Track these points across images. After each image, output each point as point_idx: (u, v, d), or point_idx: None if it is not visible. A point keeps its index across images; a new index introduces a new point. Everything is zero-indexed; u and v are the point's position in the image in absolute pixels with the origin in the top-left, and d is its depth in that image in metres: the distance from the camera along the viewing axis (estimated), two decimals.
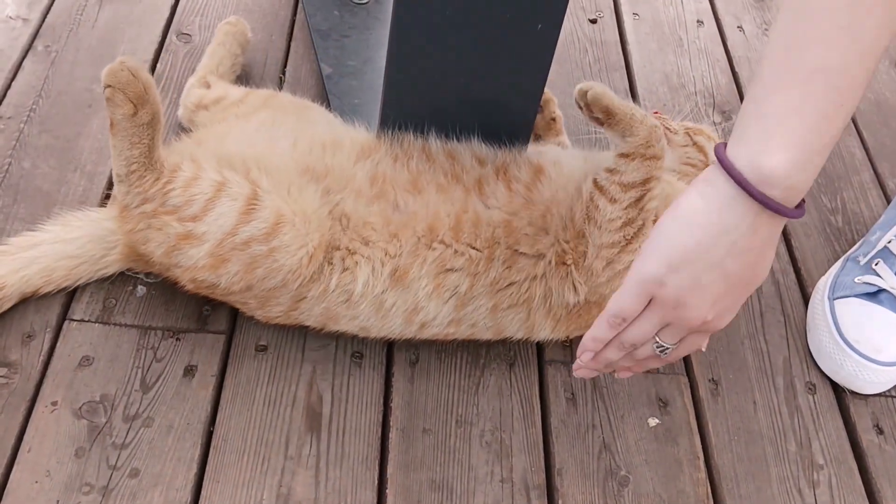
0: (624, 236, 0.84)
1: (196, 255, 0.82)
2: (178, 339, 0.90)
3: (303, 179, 0.86)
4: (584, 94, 0.85)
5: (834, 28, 0.59)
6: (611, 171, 0.84)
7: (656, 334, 0.71)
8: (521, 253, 0.86)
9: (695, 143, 0.97)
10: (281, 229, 0.81)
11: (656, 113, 1.00)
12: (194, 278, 0.84)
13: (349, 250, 0.85)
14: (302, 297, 0.85)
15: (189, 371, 0.87)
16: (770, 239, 0.65)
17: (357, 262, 0.85)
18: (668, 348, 0.72)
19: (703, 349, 0.76)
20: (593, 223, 0.84)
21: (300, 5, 1.29)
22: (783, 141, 0.60)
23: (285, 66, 1.21)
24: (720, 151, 0.64)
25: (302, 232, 0.82)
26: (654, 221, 0.81)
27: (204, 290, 0.86)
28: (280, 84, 1.18)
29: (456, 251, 0.86)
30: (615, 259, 0.85)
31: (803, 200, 0.64)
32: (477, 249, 0.86)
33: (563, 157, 0.93)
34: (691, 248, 0.65)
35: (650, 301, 0.68)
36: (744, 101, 0.64)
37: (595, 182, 0.85)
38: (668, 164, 0.90)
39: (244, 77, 1.17)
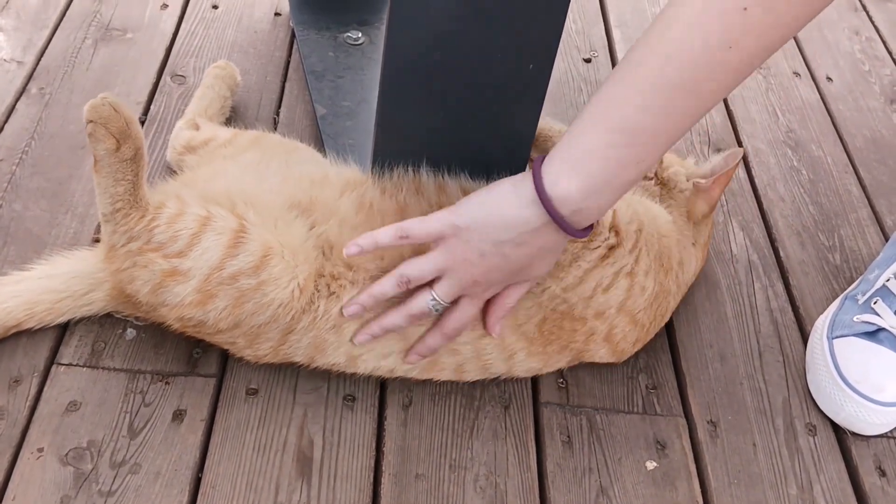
0: None
1: (182, 292, 0.81)
2: (167, 383, 0.88)
3: (290, 214, 0.86)
4: None
5: (647, 103, 0.70)
6: None
7: (433, 284, 0.81)
8: None
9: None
10: (269, 262, 0.80)
11: None
12: (181, 316, 0.82)
13: (333, 276, 0.85)
14: (291, 329, 0.84)
15: (178, 415, 0.86)
16: (550, 248, 0.79)
17: (342, 286, 0.84)
18: (441, 305, 0.82)
19: (495, 333, 0.86)
20: None
21: (295, 46, 1.29)
22: (578, 174, 0.73)
23: (280, 106, 1.21)
24: (537, 163, 0.76)
25: (291, 264, 0.81)
26: (612, 222, 0.89)
27: (191, 330, 0.85)
28: (274, 125, 1.18)
29: None
30: (580, 255, 0.88)
31: (591, 226, 0.78)
32: None
33: None
34: (489, 222, 0.78)
35: (438, 242, 0.79)
36: (568, 128, 0.76)
37: None
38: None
39: (238, 117, 1.17)
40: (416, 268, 0.81)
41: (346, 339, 0.86)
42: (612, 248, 0.89)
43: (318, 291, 0.84)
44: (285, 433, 0.86)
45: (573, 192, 0.74)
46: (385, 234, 0.80)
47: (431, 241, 0.80)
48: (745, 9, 0.67)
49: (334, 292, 0.84)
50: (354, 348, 0.86)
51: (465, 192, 0.90)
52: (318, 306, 0.84)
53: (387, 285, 0.82)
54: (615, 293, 0.90)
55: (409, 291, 0.83)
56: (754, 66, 0.71)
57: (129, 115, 0.80)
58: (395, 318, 0.83)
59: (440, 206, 0.89)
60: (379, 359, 0.87)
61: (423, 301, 0.82)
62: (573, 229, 0.77)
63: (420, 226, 0.80)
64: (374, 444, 0.87)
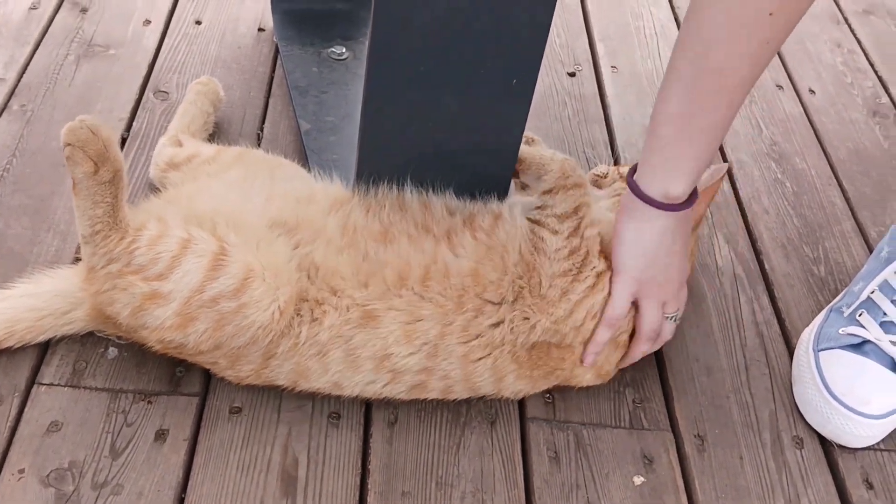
0: (573, 264, 0.88)
1: (163, 315, 0.80)
2: (149, 403, 0.87)
3: (273, 233, 0.86)
4: None
5: (715, 105, 0.82)
6: (540, 207, 0.89)
7: (664, 313, 0.93)
8: (488, 301, 0.86)
9: (622, 176, 1.04)
10: (250, 284, 0.80)
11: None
12: (162, 339, 0.82)
13: (317, 301, 0.84)
14: (272, 354, 0.83)
15: (160, 435, 0.85)
16: (685, 218, 0.90)
17: (325, 312, 0.84)
18: (676, 313, 0.96)
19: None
20: (542, 254, 0.87)
21: (279, 62, 1.29)
22: (680, 177, 0.86)
23: (263, 122, 1.21)
24: (634, 187, 0.87)
25: (272, 286, 0.81)
26: (600, 248, 0.92)
27: (172, 351, 0.85)
28: (258, 140, 1.18)
29: (424, 298, 0.85)
30: (569, 289, 0.87)
31: (694, 191, 0.89)
32: (446, 298, 0.85)
33: (520, 201, 0.94)
34: (649, 254, 0.89)
35: (637, 300, 0.91)
36: (646, 148, 0.87)
37: (529, 219, 0.89)
38: (605, 202, 0.99)
39: (222, 133, 1.17)
40: (654, 320, 0.93)
41: (330, 368, 0.85)
42: (600, 274, 0.89)
43: (301, 316, 0.83)
44: (269, 452, 0.85)
45: (682, 189, 0.86)
46: (602, 335, 0.90)
47: (629, 302, 0.91)
48: (771, 14, 0.76)
49: (317, 318, 0.83)
50: (339, 378, 0.85)
51: (450, 211, 0.91)
52: (300, 332, 0.83)
53: (607, 335, 0.91)
54: None
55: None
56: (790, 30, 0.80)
57: (108, 137, 0.80)
58: (649, 347, 0.96)
59: (424, 226, 0.89)
60: (365, 385, 0.87)
61: (668, 326, 0.96)
62: (691, 201, 0.88)
63: (618, 306, 0.90)
64: (359, 462, 0.86)
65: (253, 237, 0.84)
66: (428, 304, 0.85)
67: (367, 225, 0.88)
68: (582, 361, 0.91)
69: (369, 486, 0.84)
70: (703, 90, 0.81)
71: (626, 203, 0.89)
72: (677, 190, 0.86)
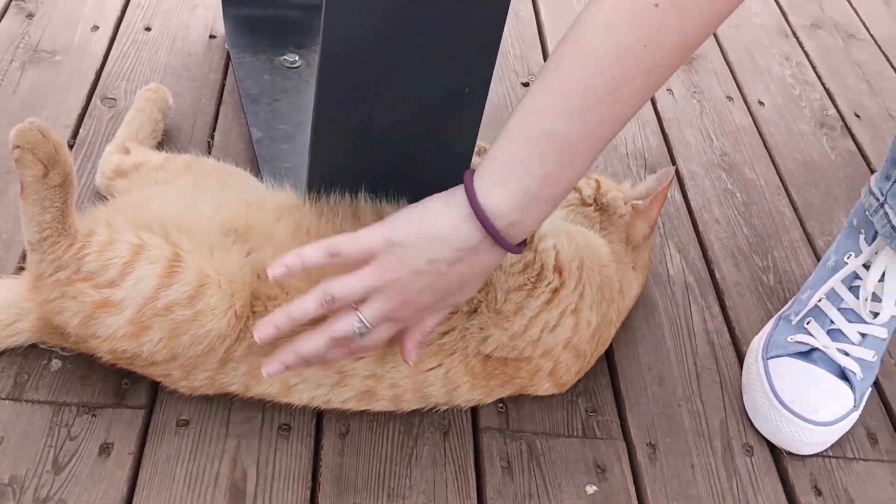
0: (528, 278, 0.87)
1: (115, 324, 0.78)
2: (94, 416, 0.85)
3: (226, 240, 0.84)
4: None
5: (566, 109, 0.70)
6: None
7: (359, 305, 0.75)
8: None
9: (574, 188, 1.03)
10: (206, 291, 0.78)
11: None
12: (113, 349, 0.80)
13: (268, 297, 0.83)
14: (228, 359, 0.82)
15: (105, 449, 0.83)
16: (484, 266, 0.76)
17: (278, 305, 0.82)
18: (365, 328, 0.75)
19: (411, 360, 0.80)
20: (498, 268, 0.86)
21: (230, 69, 1.27)
22: (508, 185, 0.72)
23: (214, 130, 1.19)
24: (468, 177, 0.73)
25: (228, 293, 0.79)
26: (554, 263, 0.89)
27: (123, 362, 0.83)
28: (209, 148, 1.16)
29: None
30: (524, 304, 0.87)
31: (525, 241, 0.76)
32: None
33: None
34: (424, 239, 0.74)
35: (370, 259, 0.74)
36: (493, 142, 0.74)
37: None
38: (559, 213, 0.98)
39: (171, 141, 1.15)
40: (344, 285, 0.74)
41: None
42: (555, 290, 0.89)
43: (255, 313, 0.82)
44: (217, 466, 0.84)
45: (505, 204, 0.72)
46: (313, 253, 0.75)
47: (363, 257, 0.74)
48: (657, 5, 0.66)
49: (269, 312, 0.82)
50: (289, 375, 0.84)
51: None
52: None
53: (308, 303, 0.74)
54: (562, 332, 0.90)
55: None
56: (673, 66, 0.70)
57: (58, 140, 0.78)
58: (313, 342, 0.76)
59: None
60: (314, 388, 0.85)
61: (347, 323, 0.75)
62: (509, 244, 0.74)
63: (351, 241, 0.75)
64: (309, 475, 0.85)
65: (206, 243, 0.82)
66: None
67: (319, 229, 0.87)
68: (404, 358, 0.81)
69: (320, 499, 0.83)
70: (561, 83, 0.70)
71: (452, 190, 0.75)
72: (499, 199, 0.71)
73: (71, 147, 1.12)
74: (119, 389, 0.88)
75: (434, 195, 0.76)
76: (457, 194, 0.74)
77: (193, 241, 0.82)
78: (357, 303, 0.75)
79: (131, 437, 0.84)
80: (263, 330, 0.76)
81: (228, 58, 1.29)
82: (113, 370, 0.86)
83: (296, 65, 1.24)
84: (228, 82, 1.27)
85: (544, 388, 0.93)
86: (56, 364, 0.88)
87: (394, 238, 0.74)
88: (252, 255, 0.85)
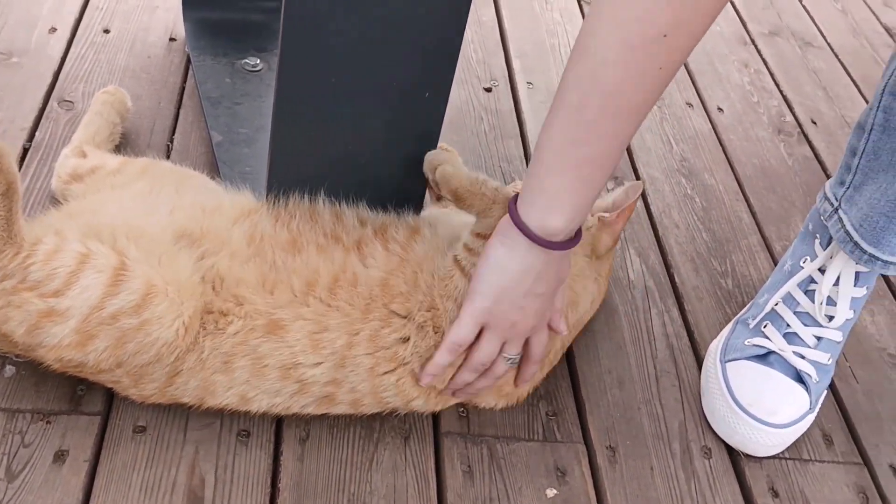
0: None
1: (60, 333, 0.77)
2: (48, 423, 0.84)
3: (176, 246, 0.83)
4: (433, 168, 0.89)
5: (602, 133, 0.76)
6: (469, 250, 0.86)
7: (502, 351, 0.87)
8: (395, 313, 0.86)
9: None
10: (152, 300, 0.77)
11: None
12: (60, 357, 0.79)
13: (222, 312, 0.82)
14: (177, 371, 0.81)
15: (60, 456, 0.82)
16: (560, 261, 0.84)
17: (230, 322, 0.82)
18: (515, 357, 0.88)
19: (562, 330, 0.91)
20: (450, 300, 0.86)
21: (191, 72, 1.26)
22: (561, 210, 0.79)
23: (174, 133, 1.18)
24: (513, 211, 0.81)
25: (176, 302, 0.78)
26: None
27: (72, 370, 0.81)
28: (168, 151, 1.15)
29: (331, 307, 0.84)
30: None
31: (579, 231, 0.83)
32: (353, 307, 0.84)
33: (441, 219, 0.94)
34: (507, 285, 0.82)
35: (483, 329, 0.85)
36: (529, 173, 0.80)
37: (455, 259, 0.87)
38: None
39: (130, 144, 1.14)
40: (486, 354, 0.86)
41: (237, 380, 0.83)
42: None
43: (205, 329, 0.81)
44: (175, 473, 0.83)
45: (561, 225, 0.79)
46: (442, 357, 0.85)
47: (477, 332, 0.85)
48: (665, 36, 0.70)
49: (222, 329, 0.81)
50: (246, 389, 0.83)
51: (361, 222, 0.90)
52: (204, 345, 0.81)
53: (446, 358, 0.86)
54: None
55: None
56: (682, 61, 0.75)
57: (2, 147, 0.77)
58: (472, 378, 0.88)
59: (335, 236, 0.88)
60: (271, 396, 0.85)
61: (502, 366, 0.89)
62: (572, 244, 0.82)
63: (461, 330, 0.84)
64: (269, 481, 0.84)
65: (155, 251, 0.81)
66: (335, 313, 0.84)
67: (274, 234, 0.87)
68: (419, 381, 0.87)
69: None
70: (589, 116, 0.74)
71: (501, 225, 0.82)
72: (555, 224, 0.79)
73: (27, 150, 1.10)
74: (74, 396, 0.86)
75: (489, 244, 0.83)
76: (510, 235, 0.81)
77: (142, 249, 0.81)
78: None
79: (87, 444, 0.83)
80: (428, 384, 0.88)
81: (188, 60, 1.28)
82: (67, 377, 0.85)
83: (257, 68, 1.23)
84: (188, 85, 1.25)
85: (487, 400, 0.93)
86: (10, 370, 0.87)
87: (488, 304, 0.83)
88: (205, 262, 0.84)
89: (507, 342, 0.86)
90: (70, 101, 1.18)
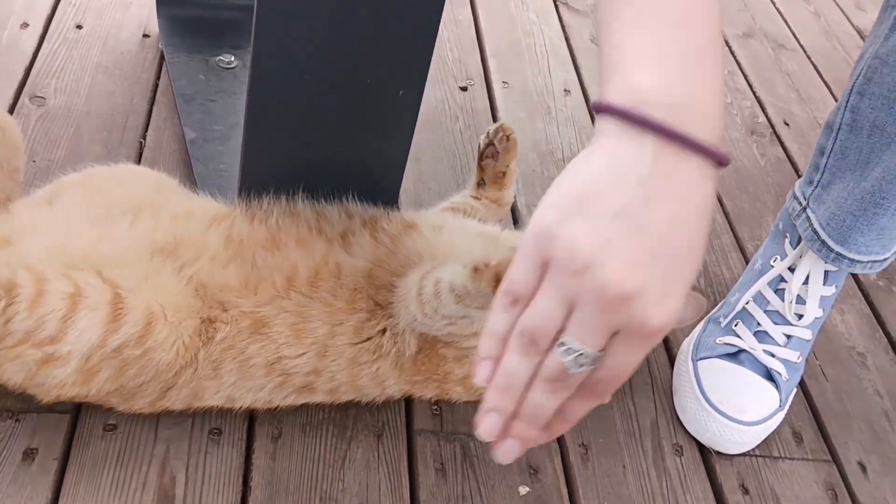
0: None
1: (62, 374, 0.75)
2: (17, 420, 0.83)
3: (156, 261, 0.81)
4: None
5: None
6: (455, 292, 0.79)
7: (564, 330, 0.51)
8: (379, 304, 0.85)
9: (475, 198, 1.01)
10: (154, 329, 0.76)
11: None
12: (60, 396, 0.78)
13: (209, 320, 0.81)
14: (172, 385, 0.80)
15: (29, 455, 0.81)
16: (694, 193, 0.51)
17: (217, 328, 0.81)
18: (583, 354, 0.51)
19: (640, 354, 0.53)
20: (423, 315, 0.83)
21: (164, 69, 1.26)
22: (650, 60, 0.52)
23: (146, 130, 1.17)
24: (596, 104, 0.53)
25: (175, 324, 0.77)
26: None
27: (66, 400, 0.80)
28: (140, 149, 1.14)
29: (313, 298, 0.83)
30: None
31: (726, 157, 0.52)
32: (336, 297, 0.84)
33: (451, 226, 0.91)
34: (586, 189, 0.50)
35: (544, 271, 0.52)
36: (602, 52, 0.55)
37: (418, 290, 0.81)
38: None
39: (102, 142, 1.13)
40: (537, 315, 0.52)
41: (225, 383, 0.82)
42: None
43: (201, 340, 0.80)
44: (146, 471, 0.82)
45: (657, 80, 0.51)
46: (495, 321, 0.54)
47: (535, 273, 0.52)
48: None
49: (211, 337, 0.80)
50: (233, 391, 0.83)
51: (348, 214, 0.89)
52: (199, 357, 0.80)
53: (514, 363, 0.53)
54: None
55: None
56: None
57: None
58: (519, 364, 0.53)
59: (318, 229, 0.87)
60: (255, 392, 0.84)
61: (556, 360, 0.52)
62: (697, 140, 0.50)
63: (515, 269, 0.53)
64: (240, 479, 0.84)
65: (140, 271, 0.78)
66: (316, 304, 0.83)
67: (252, 234, 0.86)
68: (473, 376, 0.56)
69: (250, 503, 0.82)
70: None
71: (596, 133, 0.53)
72: (644, 79, 0.51)
73: None
74: None
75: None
76: (595, 133, 0.53)
77: (128, 273, 0.77)
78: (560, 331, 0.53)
79: (56, 442, 0.82)
80: (489, 424, 0.56)
81: (162, 57, 1.27)
82: None
83: (231, 65, 1.23)
84: (162, 82, 1.25)
85: (457, 391, 0.92)
86: None
87: (552, 217, 0.51)
88: (186, 272, 0.82)
89: (575, 310, 0.51)
90: (42, 97, 1.17)
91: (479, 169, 1.03)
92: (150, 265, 0.81)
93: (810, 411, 1.06)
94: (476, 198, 1.04)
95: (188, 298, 0.80)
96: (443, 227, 0.91)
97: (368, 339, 0.85)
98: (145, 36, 1.32)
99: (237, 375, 0.82)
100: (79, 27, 1.31)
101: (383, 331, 0.86)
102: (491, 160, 1.02)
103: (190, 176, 1.09)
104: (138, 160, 1.12)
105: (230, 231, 0.86)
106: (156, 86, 1.24)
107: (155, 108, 1.21)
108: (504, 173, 1.03)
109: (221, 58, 1.23)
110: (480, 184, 1.04)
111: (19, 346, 0.73)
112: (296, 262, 0.84)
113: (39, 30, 1.28)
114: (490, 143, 1.02)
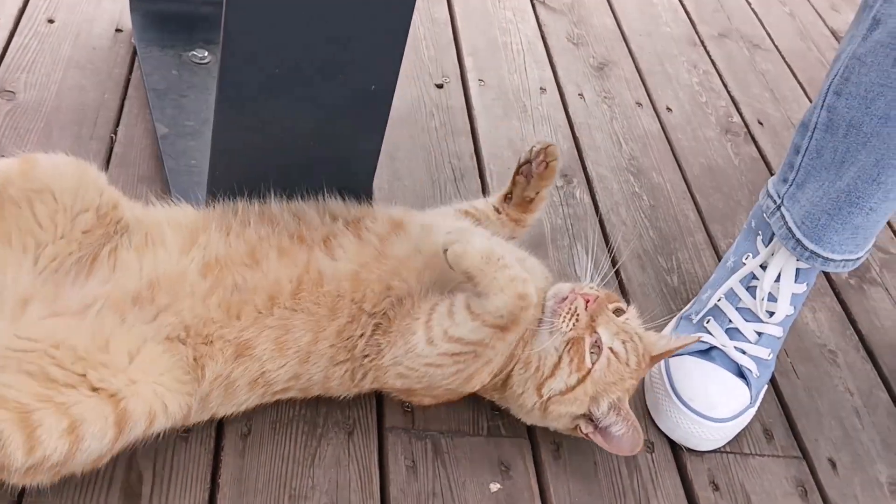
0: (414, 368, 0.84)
1: (78, 465, 0.76)
2: None
3: (130, 320, 0.78)
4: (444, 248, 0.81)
5: None
6: (450, 314, 0.81)
7: None
8: (363, 310, 0.84)
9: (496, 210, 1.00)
10: (156, 419, 0.76)
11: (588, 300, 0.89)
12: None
13: (195, 359, 0.80)
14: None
15: None
16: None
17: (205, 364, 0.80)
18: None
19: None
20: (403, 345, 0.83)
21: (137, 64, 1.24)
22: None
23: (118, 125, 1.16)
24: None
25: (174, 410, 0.77)
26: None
27: None
28: (111, 143, 1.13)
29: (296, 311, 0.82)
30: (406, 373, 0.85)
31: None
32: (319, 306, 0.83)
33: (440, 226, 0.89)
34: None
35: None
36: None
37: (428, 318, 0.82)
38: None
39: (73, 136, 1.11)
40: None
41: (210, 406, 0.82)
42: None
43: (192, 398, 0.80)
44: (112, 468, 0.81)
45: None
46: None
47: None
48: None
49: (201, 377, 0.80)
50: (217, 409, 0.83)
51: (332, 216, 0.88)
52: (194, 401, 0.80)
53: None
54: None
55: None
56: None
57: None
58: None
59: (301, 238, 0.85)
60: (238, 406, 0.85)
61: None
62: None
63: None
64: (208, 477, 0.83)
65: (123, 350, 0.77)
66: (300, 315, 0.82)
67: (229, 252, 0.83)
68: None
69: (219, 501, 0.82)
70: None
71: None
72: None
73: None
74: None
75: None
76: None
77: (110, 359, 0.76)
78: None
79: None
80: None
81: (134, 52, 1.26)
82: None
83: (205, 60, 1.22)
84: (134, 77, 1.24)
85: (426, 399, 0.91)
86: None
87: None
88: (163, 319, 0.79)
89: None
90: (11, 92, 1.16)
91: (512, 182, 0.99)
92: (128, 338, 0.78)
93: (781, 408, 1.06)
94: (497, 211, 1.00)
95: (172, 358, 0.78)
96: (433, 227, 0.89)
97: (347, 339, 0.84)
98: (118, 31, 1.31)
99: (222, 398, 0.82)
100: (50, 21, 1.29)
101: (361, 335, 0.85)
102: (523, 179, 0.98)
103: (161, 172, 1.08)
104: (109, 155, 1.11)
105: (206, 256, 0.82)
106: (128, 81, 1.23)
107: (127, 103, 1.20)
108: (532, 199, 0.99)
109: (195, 53, 1.22)
110: (508, 197, 1.00)
111: (32, 475, 0.74)
112: (278, 277, 0.82)
113: (10, 23, 1.27)
114: (528, 162, 0.97)
